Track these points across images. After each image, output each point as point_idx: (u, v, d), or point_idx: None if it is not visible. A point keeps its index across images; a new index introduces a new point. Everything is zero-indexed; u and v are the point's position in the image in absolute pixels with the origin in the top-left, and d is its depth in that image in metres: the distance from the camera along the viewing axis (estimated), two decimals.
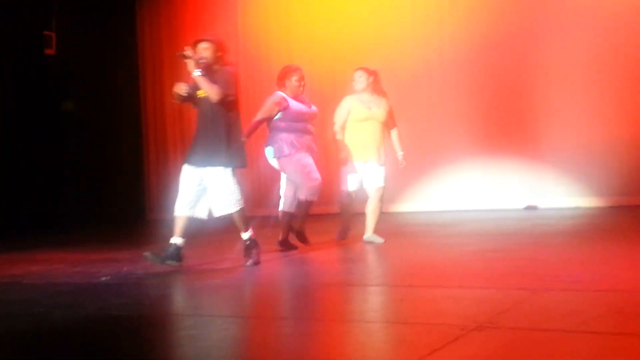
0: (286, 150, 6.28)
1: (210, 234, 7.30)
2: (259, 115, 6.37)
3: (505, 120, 10.08)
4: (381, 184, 6.60)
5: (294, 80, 6.40)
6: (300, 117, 6.41)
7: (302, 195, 6.32)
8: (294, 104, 6.38)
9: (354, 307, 4.09)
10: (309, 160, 6.37)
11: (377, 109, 6.61)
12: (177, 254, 5.52)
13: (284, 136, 6.31)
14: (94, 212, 11.20)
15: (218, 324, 3.77)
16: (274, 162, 6.41)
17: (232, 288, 4.94)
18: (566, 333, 3.04)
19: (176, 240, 5.53)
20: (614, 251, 5.47)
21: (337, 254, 6.40)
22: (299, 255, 6.21)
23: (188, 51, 5.44)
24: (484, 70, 10.23)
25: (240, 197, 5.51)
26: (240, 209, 5.51)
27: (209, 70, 5.45)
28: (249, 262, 5.52)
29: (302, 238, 6.52)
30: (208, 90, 5.38)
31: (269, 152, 6.39)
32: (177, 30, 12.23)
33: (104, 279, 5.33)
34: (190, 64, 5.39)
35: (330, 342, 3.24)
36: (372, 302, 4.26)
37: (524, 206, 9.74)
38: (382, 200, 6.65)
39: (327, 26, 11.14)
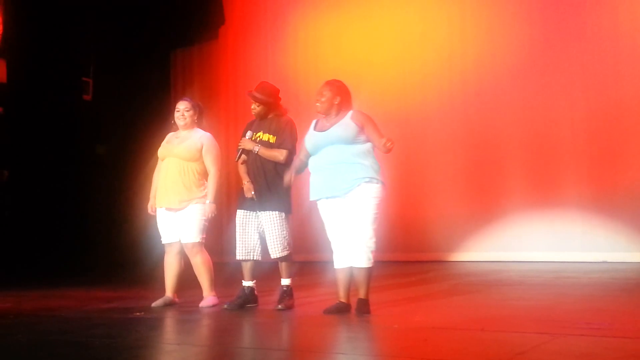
0: None
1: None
2: None
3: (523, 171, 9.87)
4: None
5: None
6: None
7: None
8: None
9: (371, 344, 4.24)
10: None
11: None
12: (252, 295, 5.80)
13: None
14: (127, 255, 11.47)
15: (250, 355, 3.96)
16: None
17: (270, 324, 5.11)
18: None
19: (247, 283, 5.78)
20: None
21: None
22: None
23: (240, 148, 5.76)
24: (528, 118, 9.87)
25: (290, 242, 5.68)
26: (288, 254, 5.69)
27: (263, 119, 5.78)
28: (280, 306, 5.61)
29: None
30: (273, 158, 5.64)
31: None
32: (209, 82, 12.65)
33: (137, 313, 5.56)
34: (247, 143, 5.72)
35: None
36: (395, 340, 4.40)
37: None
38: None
39: (358, 67, 11.02)
